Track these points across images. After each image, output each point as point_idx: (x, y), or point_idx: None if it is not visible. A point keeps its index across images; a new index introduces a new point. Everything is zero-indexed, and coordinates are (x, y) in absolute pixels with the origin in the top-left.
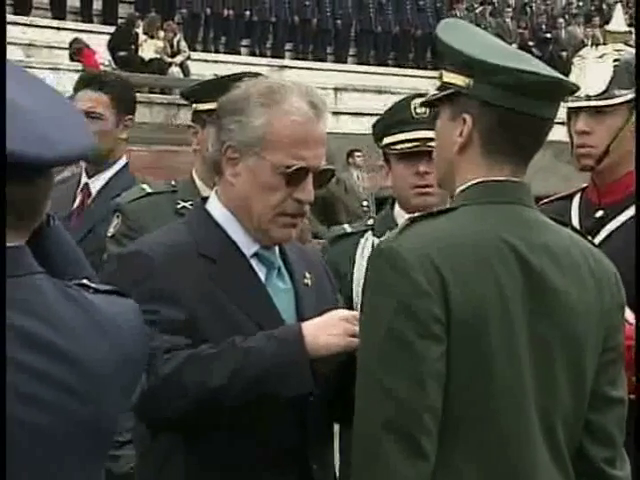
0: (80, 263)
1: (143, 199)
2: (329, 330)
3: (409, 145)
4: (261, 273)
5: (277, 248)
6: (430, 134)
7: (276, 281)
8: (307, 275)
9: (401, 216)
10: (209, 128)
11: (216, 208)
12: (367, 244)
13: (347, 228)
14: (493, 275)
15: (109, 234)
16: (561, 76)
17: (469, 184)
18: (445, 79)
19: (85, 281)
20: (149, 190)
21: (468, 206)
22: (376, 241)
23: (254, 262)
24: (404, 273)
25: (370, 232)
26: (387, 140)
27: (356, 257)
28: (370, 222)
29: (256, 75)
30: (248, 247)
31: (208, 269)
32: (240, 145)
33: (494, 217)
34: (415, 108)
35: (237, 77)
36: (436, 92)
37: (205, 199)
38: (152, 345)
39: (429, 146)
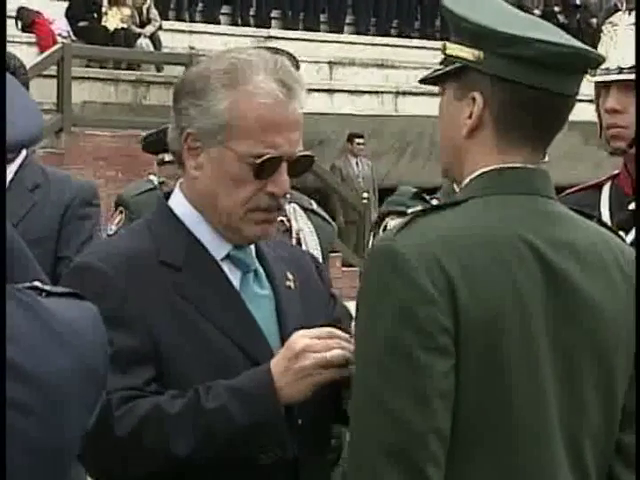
0: (26, 262)
1: (147, 193)
2: (299, 371)
3: None
4: (235, 278)
5: (253, 247)
6: None
7: (253, 286)
8: (289, 276)
9: None
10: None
11: (180, 205)
12: None
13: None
14: (509, 277)
15: (110, 232)
16: (585, 46)
17: (479, 172)
18: (449, 52)
19: (37, 283)
20: (156, 182)
21: (479, 198)
22: None
23: (226, 266)
24: (406, 275)
25: None
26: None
27: None
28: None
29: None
30: (218, 249)
31: (172, 279)
32: (201, 133)
33: (509, 210)
34: None
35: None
36: (439, 67)
37: (168, 194)
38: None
39: None
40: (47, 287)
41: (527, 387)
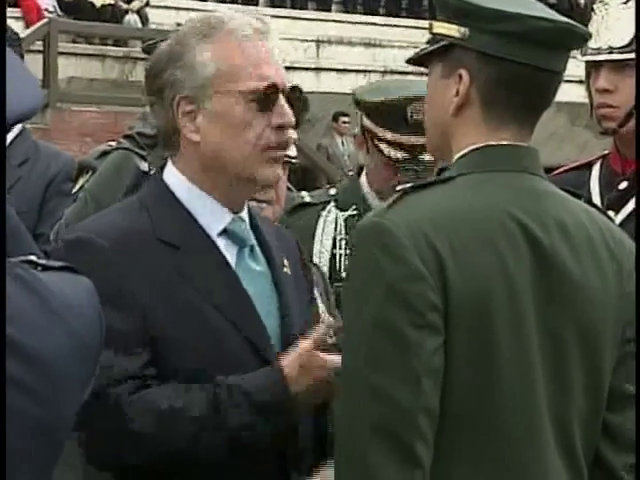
0: (19, 236)
1: (109, 153)
2: (312, 372)
3: (399, 155)
4: (230, 254)
5: (248, 223)
6: (422, 140)
7: (249, 262)
8: (285, 262)
9: (368, 188)
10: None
11: (176, 181)
12: (329, 218)
13: (306, 197)
14: (497, 256)
15: (74, 192)
16: (571, 22)
17: (471, 148)
18: (436, 30)
19: (32, 257)
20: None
21: (467, 175)
22: (340, 215)
23: (222, 242)
24: (395, 253)
25: (332, 204)
26: (369, 125)
27: (315, 234)
28: (332, 192)
29: None
30: (215, 223)
31: (169, 257)
32: (193, 91)
33: (498, 188)
34: (412, 114)
35: None
36: (425, 46)
37: (162, 168)
38: (103, 368)
39: (419, 159)
40: (42, 261)
41: (515, 366)
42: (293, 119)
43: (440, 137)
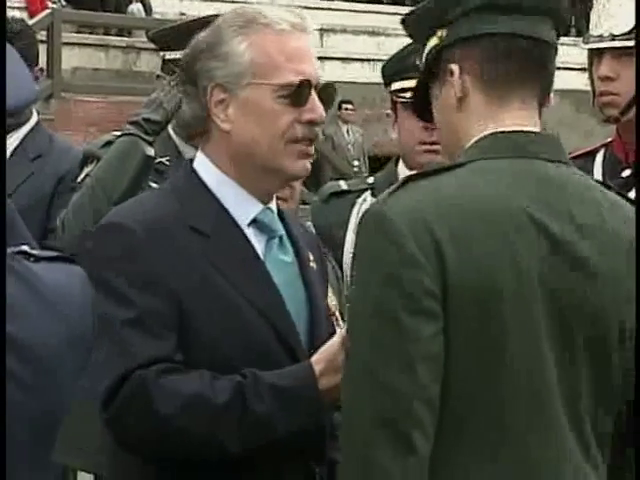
0: (13, 225)
1: (111, 143)
2: (340, 370)
3: None
4: (259, 244)
5: (277, 215)
6: None
7: (277, 252)
8: (310, 257)
9: (405, 175)
10: (181, 88)
11: (205, 169)
12: (364, 206)
13: (343, 185)
14: (503, 242)
15: (79, 180)
16: None
17: (478, 137)
18: (426, 50)
19: (25, 247)
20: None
21: (476, 162)
22: None
23: (251, 231)
24: (392, 239)
25: (369, 192)
26: (395, 86)
27: (350, 219)
28: (370, 180)
29: None
30: (245, 214)
31: (201, 245)
32: (227, 80)
33: (508, 175)
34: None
35: (212, 19)
36: (418, 72)
37: (192, 160)
38: (132, 350)
39: None
40: (35, 252)
41: (524, 353)
42: (324, 115)
43: (452, 136)
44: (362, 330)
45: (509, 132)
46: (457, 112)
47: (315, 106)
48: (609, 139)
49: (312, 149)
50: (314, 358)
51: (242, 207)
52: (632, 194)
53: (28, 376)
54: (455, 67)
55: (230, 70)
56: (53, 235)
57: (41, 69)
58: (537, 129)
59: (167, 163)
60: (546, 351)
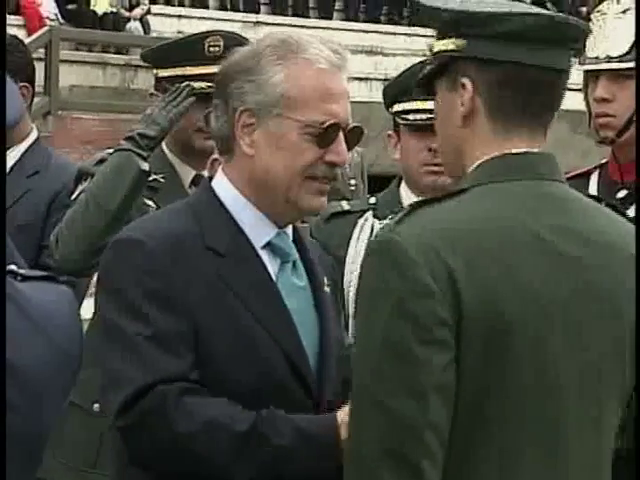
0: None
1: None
2: None
3: (422, 117)
4: (273, 267)
5: (292, 238)
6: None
7: (290, 276)
8: (325, 281)
9: (408, 197)
10: (213, 101)
11: (224, 189)
12: (366, 226)
13: (344, 205)
14: (513, 269)
15: (73, 198)
16: (561, 15)
17: (483, 160)
18: (436, 49)
19: (12, 267)
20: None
21: (481, 186)
22: (377, 224)
23: (265, 254)
24: (404, 268)
25: (370, 212)
26: (398, 107)
27: (351, 240)
28: (372, 201)
29: (228, 34)
30: (260, 236)
31: (216, 265)
32: (258, 107)
33: (512, 198)
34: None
35: (202, 36)
36: (428, 69)
37: (210, 178)
38: (150, 366)
39: None
40: (22, 271)
41: (534, 383)
42: (347, 159)
43: (452, 153)
44: (369, 358)
45: (514, 154)
46: (461, 127)
47: (340, 149)
48: (604, 160)
49: (329, 187)
50: (340, 411)
51: (257, 229)
52: (629, 214)
53: (14, 396)
54: (468, 83)
55: (263, 98)
56: (47, 252)
57: (26, 86)
58: (540, 149)
59: (162, 180)
60: (560, 380)
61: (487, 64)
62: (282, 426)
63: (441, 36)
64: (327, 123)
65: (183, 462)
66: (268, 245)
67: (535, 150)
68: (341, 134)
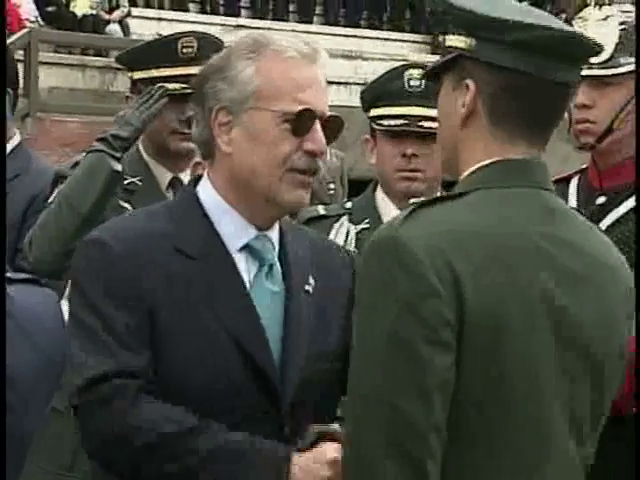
0: None
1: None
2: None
3: (397, 122)
4: (249, 271)
5: (276, 242)
6: (422, 111)
7: (265, 281)
8: (310, 280)
9: (383, 201)
10: (192, 106)
11: (206, 192)
12: (341, 231)
13: (321, 210)
14: (514, 274)
15: (49, 201)
16: (577, 31)
17: (482, 164)
18: (447, 43)
19: None
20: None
21: (482, 190)
22: (352, 229)
23: (242, 257)
24: (411, 268)
25: (346, 217)
26: (374, 112)
27: None
28: (348, 205)
29: (201, 35)
30: (238, 238)
31: (184, 267)
32: (232, 103)
33: (513, 205)
34: (409, 79)
35: (175, 38)
36: (437, 60)
37: (197, 180)
38: (105, 358)
39: (420, 126)
40: (8, 274)
41: (529, 384)
42: (325, 147)
43: (449, 151)
44: (373, 357)
45: (513, 160)
46: (460, 127)
47: (316, 137)
48: (584, 166)
49: (312, 180)
50: (298, 457)
51: (235, 232)
52: (606, 221)
53: (11, 397)
54: (472, 85)
55: (236, 93)
56: (21, 254)
57: (7, 90)
58: (537, 158)
59: (138, 183)
60: (549, 384)
61: (493, 69)
62: (237, 452)
63: (452, 31)
64: (299, 110)
65: (122, 454)
66: (246, 248)
67: (531, 158)
68: (317, 122)
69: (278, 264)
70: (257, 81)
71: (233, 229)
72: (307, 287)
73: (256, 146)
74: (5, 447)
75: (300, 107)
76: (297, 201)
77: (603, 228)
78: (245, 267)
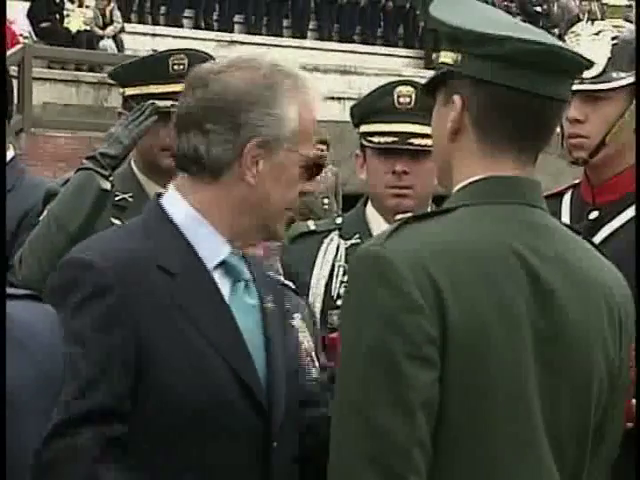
0: None
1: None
2: None
3: (388, 140)
4: (225, 287)
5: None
6: (412, 128)
7: (242, 296)
8: (268, 299)
9: (373, 217)
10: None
11: (177, 207)
12: (331, 246)
13: (311, 225)
14: (497, 291)
15: (41, 218)
16: (561, 44)
17: (472, 179)
18: (439, 59)
19: None
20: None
21: (469, 207)
22: (342, 244)
23: (218, 274)
24: (394, 284)
25: (336, 232)
26: (363, 128)
27: (317, 260)
28: (338, 221)
29: (192, 52)
30: (214, 256)
31: (168, 285)
32: (272, 140)
33: (499, 222)
34: (399, 96)
35: (166, 55)
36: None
37: (159, 195)
38: (88, 385)
39: (409, 143)
40: (9, 290)
41: (512, 401)
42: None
43: (443, 166)
44: (355, 373)
45: (502, 177)
46: (450, 142)
47: (312, 179)
48: (577, 181)
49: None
50: None
51: (211, 248)
52: (599, 236)
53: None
54: (458, 100)
55: (278, 131)
56: (11, 272)
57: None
58: (525, 175)
59: (130, 199)
60: (534, 397)
61: (478, 83)
62: None
63: (443, 47)
64: (317, 156)
65: None
66: (222, 264)
67: (520, 175)
68: None
69: (252, 280)
70: (297, 122)
71: (208, 245)
72: (270, 305)
73: (279, 184)
74: (5, 446)
75: (313, 152)
76: (282, 234)
77: (596, 243)
78: (222, 283)
